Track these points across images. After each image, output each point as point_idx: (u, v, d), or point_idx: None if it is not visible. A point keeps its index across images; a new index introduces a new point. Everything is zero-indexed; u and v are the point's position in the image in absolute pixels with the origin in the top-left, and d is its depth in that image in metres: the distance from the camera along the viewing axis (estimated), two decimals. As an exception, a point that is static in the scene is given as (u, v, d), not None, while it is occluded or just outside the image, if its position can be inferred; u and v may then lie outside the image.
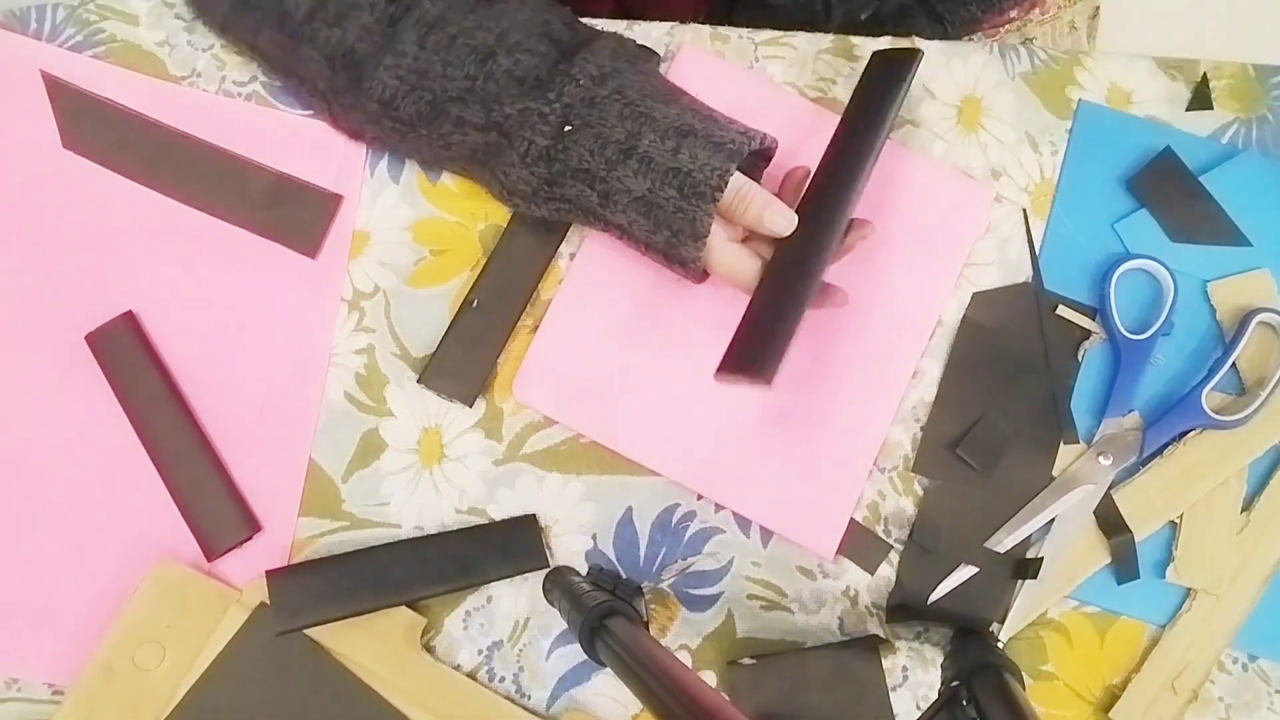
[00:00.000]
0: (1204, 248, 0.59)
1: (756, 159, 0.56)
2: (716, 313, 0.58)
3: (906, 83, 0.54)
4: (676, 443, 0.57)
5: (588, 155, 0.51)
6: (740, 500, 0.57)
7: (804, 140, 0.59)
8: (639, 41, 0.61)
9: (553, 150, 0.52)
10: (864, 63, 0.62)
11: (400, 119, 0.53)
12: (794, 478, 0.57)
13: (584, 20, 0.60)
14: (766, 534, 0.57)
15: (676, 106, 0.53)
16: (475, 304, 0.52)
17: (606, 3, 0.68)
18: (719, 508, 0.57)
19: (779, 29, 0.62)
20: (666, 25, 0.62)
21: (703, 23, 0.62)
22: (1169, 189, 0.60)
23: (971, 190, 0.60)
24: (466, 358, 0.57)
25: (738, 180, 0.51)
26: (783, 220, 0.52)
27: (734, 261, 0.53)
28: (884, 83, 0.55)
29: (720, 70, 0.61)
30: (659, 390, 0.57)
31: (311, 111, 0.59)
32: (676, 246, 0.51)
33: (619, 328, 0.58)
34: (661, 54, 0.61)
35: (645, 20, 0.61)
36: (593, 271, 0.58)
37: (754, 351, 0.51)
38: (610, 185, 0.51)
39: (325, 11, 0.52)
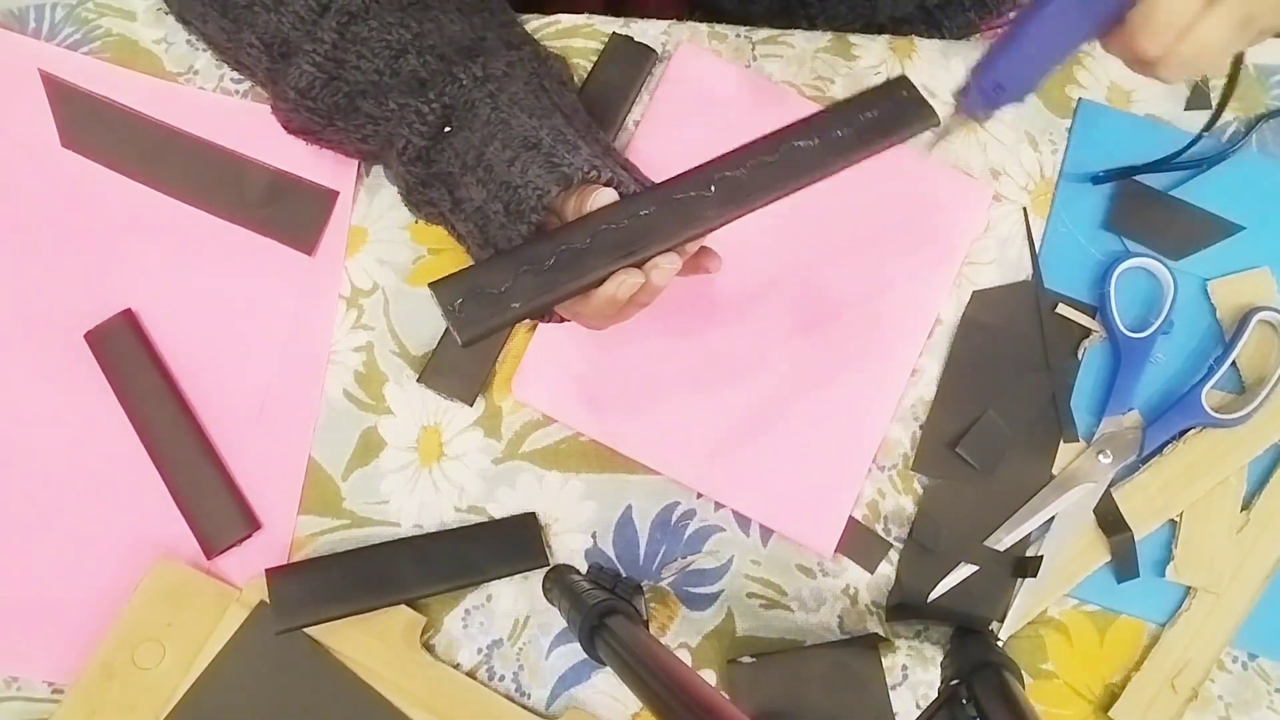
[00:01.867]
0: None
1: None
2: (716, 311, 0.58)
3: (901, 137, 0.48)
4: (676, 441, 0.57)
5: (454, 158, 0.50)
6: (740, 498, 0.57)
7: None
8: (637, 40, 0.61)
9: (430, 151, 0.51)
10: (862, 62, 0.62)
11: (317, 110, 0.52)
12: (793, 475, 0.57)
13: (572, 23, 0.60)
14: (766, 532, 0.57)
15: (545, 122, 0.50)
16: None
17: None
18: (719, 506, 0.57)
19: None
20: (664, 23, 0.62)
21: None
22: (1144, 215, 0.59)
23: (969, 188, 0.60)
24: (466, 356, 0.57)
25: (604, 199, 0.46)
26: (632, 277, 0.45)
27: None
28: (886, 120, 0.48)
29: (717, 69, 0.61)
30: (658, 388, 0.57)
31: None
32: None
33: (617, 326, 0.58)
34: (659, 52, 0.61)
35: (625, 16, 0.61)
36: None
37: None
38: (460, 192, 0.50)
39: None
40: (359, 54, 0.50)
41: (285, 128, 0.55)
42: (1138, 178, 0.60)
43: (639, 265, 0.45)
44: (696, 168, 0.47)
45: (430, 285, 0.44)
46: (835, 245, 0.59)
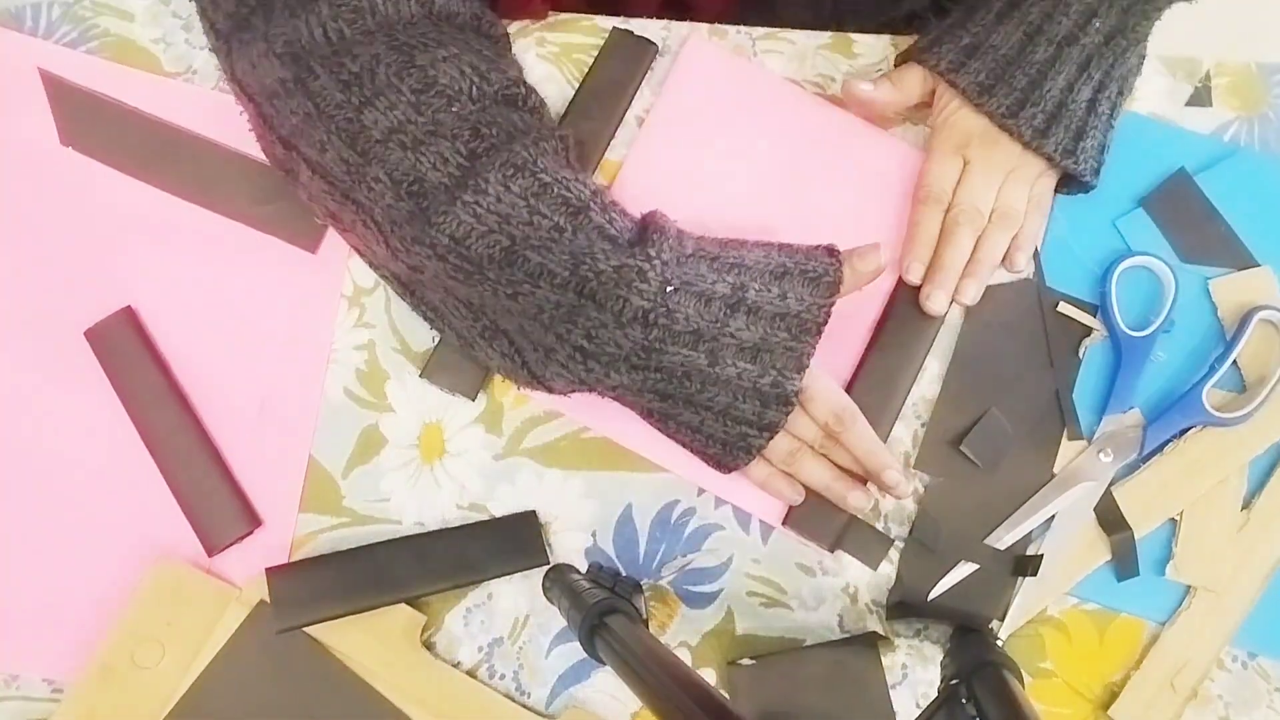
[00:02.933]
0: (1205, 245, 0.60)
1: None
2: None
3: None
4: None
5: (694, 315, 0.48)
6: (742, 495, 0.57)
7: (811, 136, 0.59)
8: (637, 35, 0.60)
9: (653, 313, 0.48)
10: (862, 60, 0.62)
11: (469, 259, 0.47)
12: None
13: (569, 16, 0.60)
14: (766, 531, 0.57)
15: (756, 250, 0.53)
16: None
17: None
18: (719, 504, 0.57)
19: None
20: (663, 21, 0.61)
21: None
22: (1182, 210, 0.60)
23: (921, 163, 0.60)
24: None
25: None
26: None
27: (769, 478, 0.54)
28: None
29: (727, 63, 0.60)
30: None
31: (351, 251, 0.57)
32: (781, 384, 0.50)
33: None
34: (659, 48, 0.61)
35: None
36: None
37: (817, 514, 0.56)
38: (720, 342, 0.49)
39: (403, 133, 0.47)
40: (531, 208, 0.47)
41: (407, 277, 0.52)
42: (1178, 151, 0.60)
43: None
44: None
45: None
46: (819, 230, 0.59)
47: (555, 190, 0.48)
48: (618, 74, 0.60)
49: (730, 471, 0.54)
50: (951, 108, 0.57)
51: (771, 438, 0.52)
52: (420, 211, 0.47)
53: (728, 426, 0.51)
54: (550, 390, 0.52)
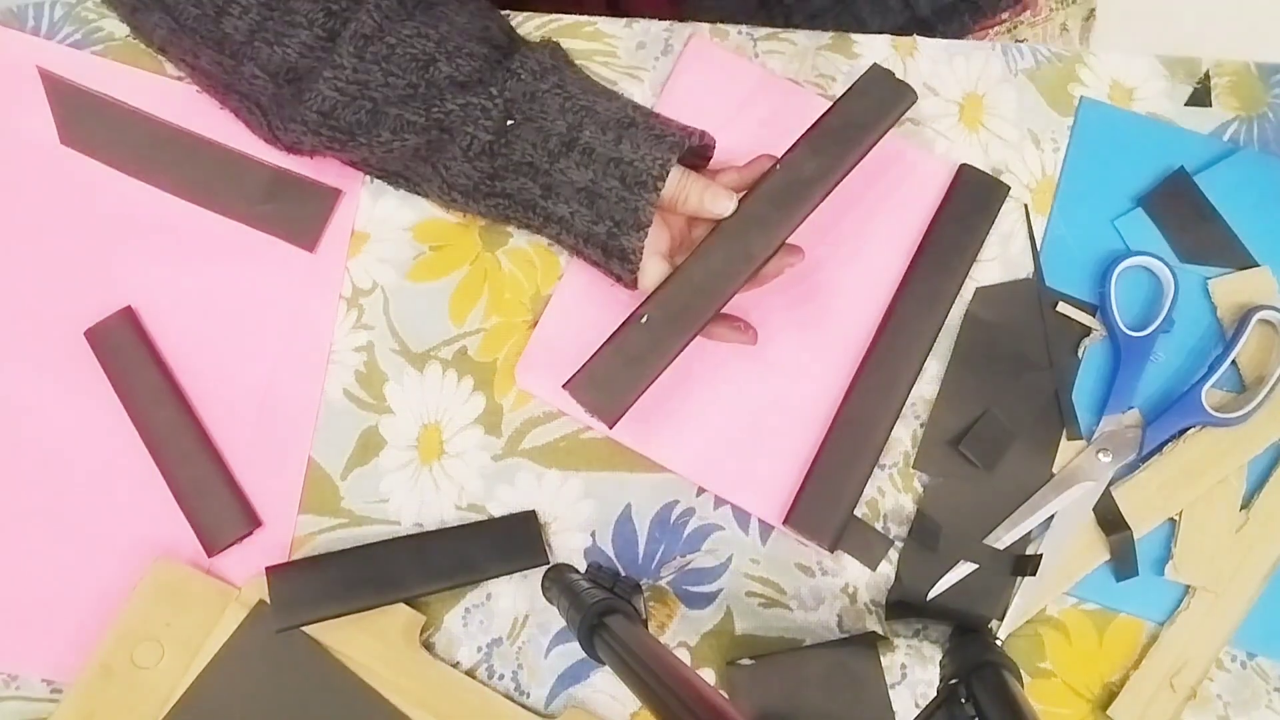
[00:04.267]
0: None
1: (697, 158, 0.56)
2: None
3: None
4: (679, 434, 0.57)
5: (530, 149, 0.52)
6: (742, 494, 0.57)
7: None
8: (638, 42, 0.61)
9: (495, 145, 0.52)
10: (863, 60, 0.62)
11: (339, 128, 0.52)
12: (794, 473, 0.57)
13: (573, 20, 0.60)
14: (766, 531, 0.57)
15: (618, 102, 0.54)
16: (645, 319, 0.52)
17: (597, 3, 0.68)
18: (718, 504, 0.57)
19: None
20: (666, 23, 0.61)
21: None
22: (1181, 210, 0.60)
23: (924, 161, 0.60)
24: (622, 374, 0.53)
25: (677, 172, 0.52)
26: (724, 202, 0.52)
27: (661, 277, 0.53)
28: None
29: (729, 63, 0.61)
30: (661, 382, 0.57)
31: (244, 125, 0.58)
32: (618, 237, 0.52)
33: (621, 319, 0.58)
34: (661, 49, 0.61)
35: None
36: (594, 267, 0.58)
37: (817, 513, 0.55)
38: (553, 178, 0.52)
39: (264, 32, 0.52)
40: (386, 71, 0.51)
41: (290, 149, 0.56)
42: (1178, 151, 0.60)
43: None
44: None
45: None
46: (819, 231, 0.59)
47: (402, 51, 0.52)
48: (864, 116, 0.54)
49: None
50: None
51: (632, 284, 0.53)
52: (296, 94, 0.52)
53: (607, 266, 0.54)
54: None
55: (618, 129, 0.52)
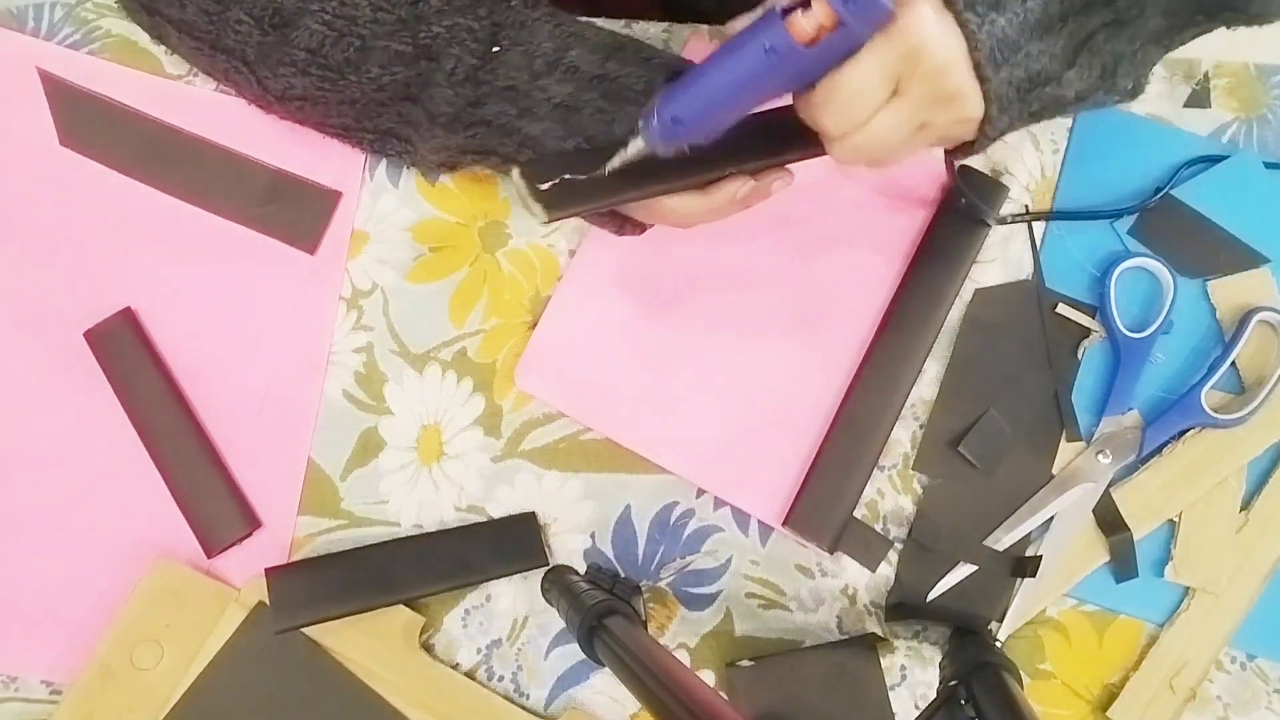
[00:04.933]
0: (1204, 246, 0.60)
1: None
2: (721, 302, 0.58)
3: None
4: (679, 435, 0.57)
5: (514, 73, 0.50)
6: (742, 496, 0.57)
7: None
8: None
9: (480, 70, 0.50)
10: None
11: (330, 66, 0.51)
12: (794, 474, 0.57)
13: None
14: (765, 532, 0.57)
15: (611, 29, 0.52)
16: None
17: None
18: (718, 505, 0.57)
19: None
20: (664, 24, 0.61)
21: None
22: (1170, 228, 0.59)
23: (923, 162, 0.59)
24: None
25: None
26: None
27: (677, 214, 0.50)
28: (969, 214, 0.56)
29: None
30: (661, 383, 0.57)
31: (233, 89, 0.57)
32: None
33: (620, 320, 0.58)
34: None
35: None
36: (593, 268, 0.58)
37: (817, 515, 0.55)
38: (533, 98, 0.50)
39: None
40: (375, 6, 0.50)
41: (278, 99, 0.54)
42: (1173, 191, 0.59)
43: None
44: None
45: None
46: (818, 233, 0.59)
47: None
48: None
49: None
50: None
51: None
52: (282, 40, 0.51)
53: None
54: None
55: (606, 50, 0.50)
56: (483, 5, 0.50)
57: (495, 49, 0.50)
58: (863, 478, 0.56)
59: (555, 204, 0.47)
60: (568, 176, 0.47)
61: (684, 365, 0.58)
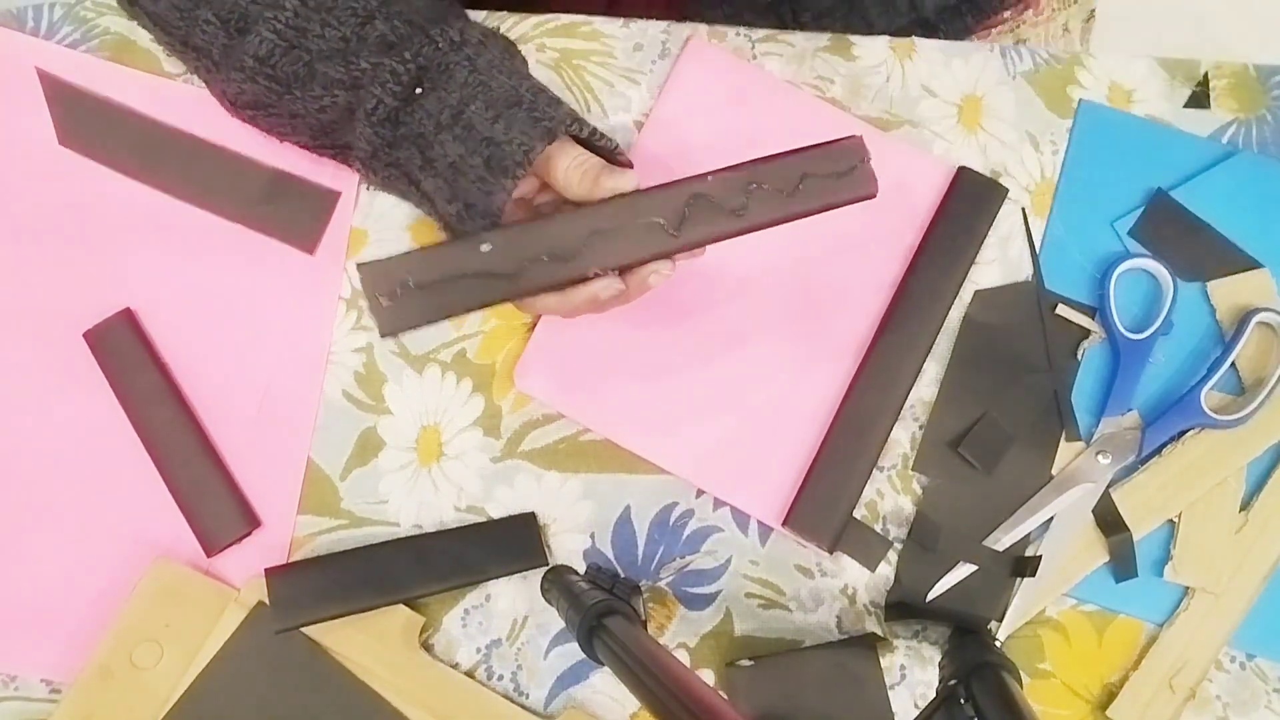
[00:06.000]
0: (1203, 247, 0.60)
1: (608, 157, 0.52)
2: (720, 302, 0.58)
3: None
4: (678, 436, 0.57)
5: (426, 119, 0.49)
6: (740, 495, 0.57)
7: (810, 138, 0.59)
8: (635, 43, 0.61)
9: (400, 112, 0.50)
10: (862, 62, 0.62)
11: (276, 78, 0.51)
12: (793, 474, 0.57)
13: (570, 20, 0.60)
14: (765, 532, 0.57)
15: (520, 81, 0.50)
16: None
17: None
18: (717, 505, 0.57)
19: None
20: (664, 24, 0.61)
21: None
22: (1169, 232, 0.59)
23: (922, 162, 0.60)
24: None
25: (568, 158, 0.49)
26: (622, 180, 0.47)
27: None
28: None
29: (727, 65, 0.61)
30: (660, 383, 0.57)
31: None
32: (464, 221, 0.50)
33: (618, 320, 0.58)
34: (659, 51, 0.61)
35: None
36: None
37: (816, 514, 0.55)
38: (434, 151, 0.50)
39: None
40: (323, 21, 0.50)
41: (232, 104, 0.54)
42: (1172, 193, 0.59)
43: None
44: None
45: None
46: (817, 232, 0.59)
47: (344, 3, 0.50)
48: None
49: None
50: None
51: None
52: (240, 42, 0.51)
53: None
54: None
55: (502, 107, 0.49)
56: (412, 46, 0.50)
57: (418, 90, 0.50)
58: (862, 478, 0.56)
59: (394, 320, 0.45)
60: (410, 283, 0.45)
61: (683, 365, 0.58)
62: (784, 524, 0.56)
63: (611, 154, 0.52)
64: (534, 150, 0.47)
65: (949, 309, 0.58)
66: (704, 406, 0.57)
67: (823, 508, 0.56)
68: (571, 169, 0.49)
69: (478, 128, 0.48)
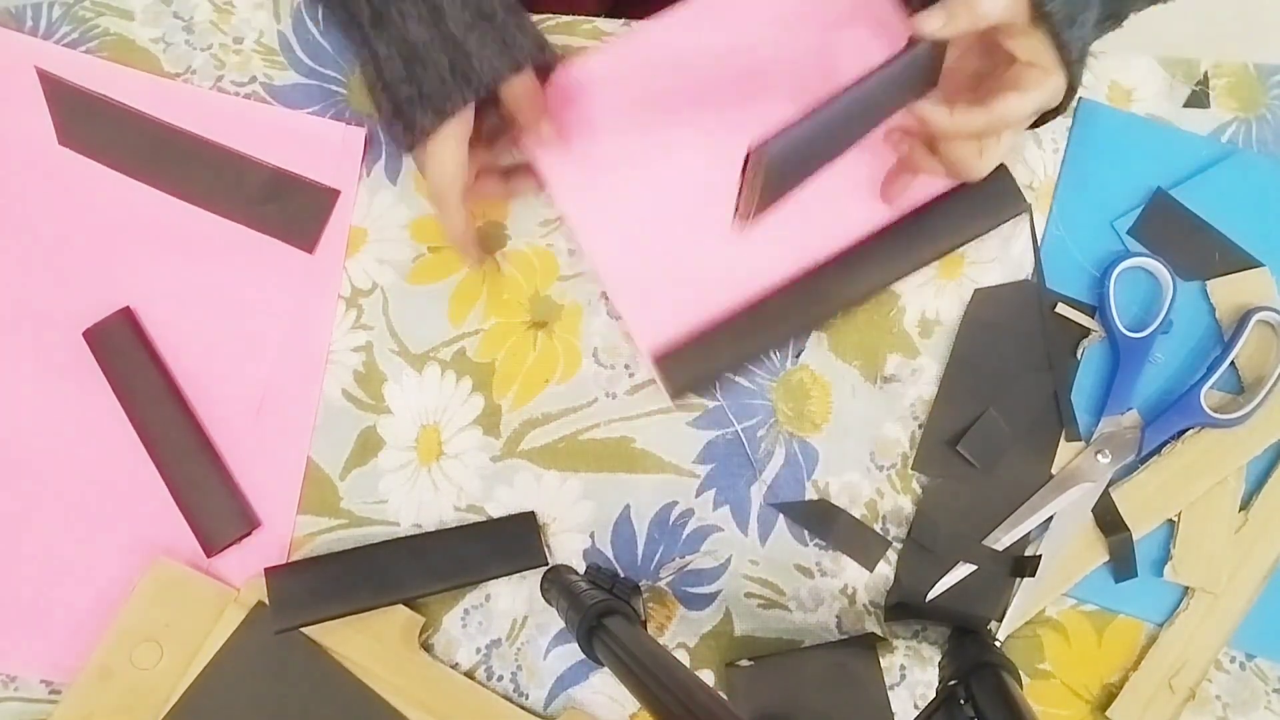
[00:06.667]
0: (1203, 246, 0.60)
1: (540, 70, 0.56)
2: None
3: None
4: (617, 220, 0.58)
5: (409, 18, 0.50)
6: (636, 314, 0.57)
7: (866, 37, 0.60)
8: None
9: (384, 11, 0.50)
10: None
11: None
12: (692, 321, 0.57)
13: (571, 18, 0.60)
14: (765, 532, 0.57)
15: None
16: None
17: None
18: (717, 505, 0.57)
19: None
20: (590, 19, 0.61)
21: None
22: (1169, 231, 0.59)
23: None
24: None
25: (520, 84, 0.52)
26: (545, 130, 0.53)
27: (442, 168, 0.52)
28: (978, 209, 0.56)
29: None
30: (642, 178, 0.58)
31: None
32: (416, 108, 0.51)
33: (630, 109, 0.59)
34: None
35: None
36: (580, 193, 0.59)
37: (685, 363, 0.56)
38: (389, 13, 0.50)
39: None
40: None
41: None
42: (1171, 192, 0.59)
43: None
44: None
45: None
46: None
47: None
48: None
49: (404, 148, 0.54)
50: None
51: (406, 148, 0.53)
52: None
53: (390, 122, 0.53)
54: None
55: (475, 13, 0.50)
56: None
57: None
58: (746, 354, 0.57)
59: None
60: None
61: (675, 176, 0.58)
62: (653, 359, 0.56)
63: (549, 68, 0.55)
64: (501, 77, 0.51)
65: (913, 270, 0.58)
66: (656, 212, 0.58)
67: (695, 360, 0.56)
68: (515, 99, 0.52)
69: (449, 21, 0.50)
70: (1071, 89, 0.52)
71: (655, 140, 0.59)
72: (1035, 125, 0.55)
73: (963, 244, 0.59)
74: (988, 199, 0.58)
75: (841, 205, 0.59)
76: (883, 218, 0.59)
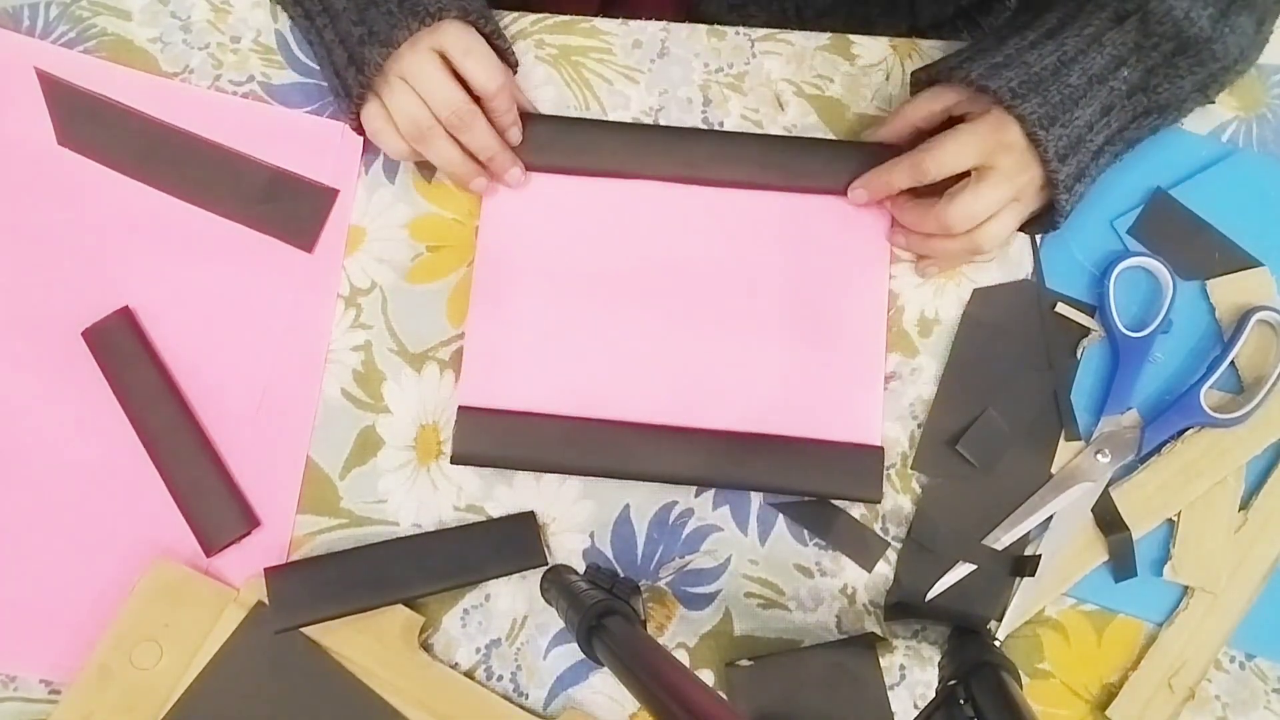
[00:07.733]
0: (1203, 245, 0.59)
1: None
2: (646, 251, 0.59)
3: None
4: (652, 384, 0.57)
5: None
6: (754, 421, 0.56)
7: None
8: (634, 40, 0.60)
9: None
10: (861, 61, 0.61)
11: None
12: (800, 375, 0.57)
13: (569, 17, 0.60)
14: (764, 532, 0.57)
15: None
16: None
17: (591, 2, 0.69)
18: (717, 505, 0.57)
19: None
20: (660, 24, 0.61)
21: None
22: (1169, 230, 0.59)
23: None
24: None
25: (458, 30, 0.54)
26: (497, 76, 0.55)
27: (383, 123, 0.55)
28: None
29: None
30: (613, 339, 0.58)
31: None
32: (366, 44, 0.53)
33: (546, 290, 0.58)
34: (658, 50, 0.61)
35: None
36: (500, 240, 0.58)
37: None
38: None
39: None
40: None
41: None
42: (1171, 192, 0.59)
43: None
44: None
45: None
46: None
47: None
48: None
49: (351, 122, 0.57)
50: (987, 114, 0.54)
51: (357, 98, 0.55)
52: None
53: (336, 75, 0.56)
54: None
55: None
56: None
57: None
58: (545, 461, 0.56)
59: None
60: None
61: (626, 312, 0.58)
62: (459, 407, 0.56)
63: (503, 53, 0.57)
64: (446, 11, 0.53)
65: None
66: (664, 349, 0.58)
67: (491, 433, 0.56)
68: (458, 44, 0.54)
69: None
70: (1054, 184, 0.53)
71: (588, 253, 0.58)
72: (1026, 229, 0.57)
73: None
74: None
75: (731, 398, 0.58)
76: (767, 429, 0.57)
